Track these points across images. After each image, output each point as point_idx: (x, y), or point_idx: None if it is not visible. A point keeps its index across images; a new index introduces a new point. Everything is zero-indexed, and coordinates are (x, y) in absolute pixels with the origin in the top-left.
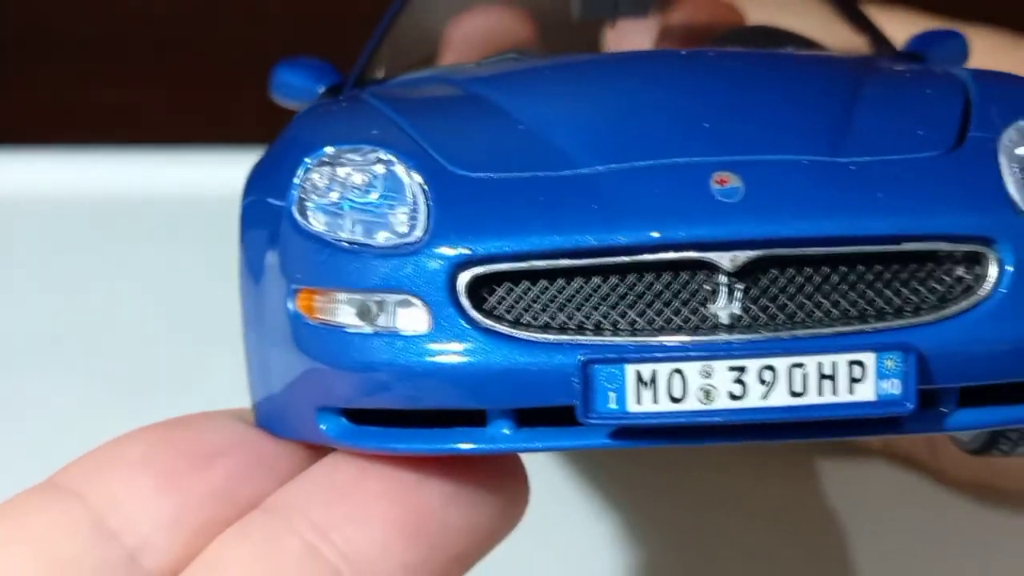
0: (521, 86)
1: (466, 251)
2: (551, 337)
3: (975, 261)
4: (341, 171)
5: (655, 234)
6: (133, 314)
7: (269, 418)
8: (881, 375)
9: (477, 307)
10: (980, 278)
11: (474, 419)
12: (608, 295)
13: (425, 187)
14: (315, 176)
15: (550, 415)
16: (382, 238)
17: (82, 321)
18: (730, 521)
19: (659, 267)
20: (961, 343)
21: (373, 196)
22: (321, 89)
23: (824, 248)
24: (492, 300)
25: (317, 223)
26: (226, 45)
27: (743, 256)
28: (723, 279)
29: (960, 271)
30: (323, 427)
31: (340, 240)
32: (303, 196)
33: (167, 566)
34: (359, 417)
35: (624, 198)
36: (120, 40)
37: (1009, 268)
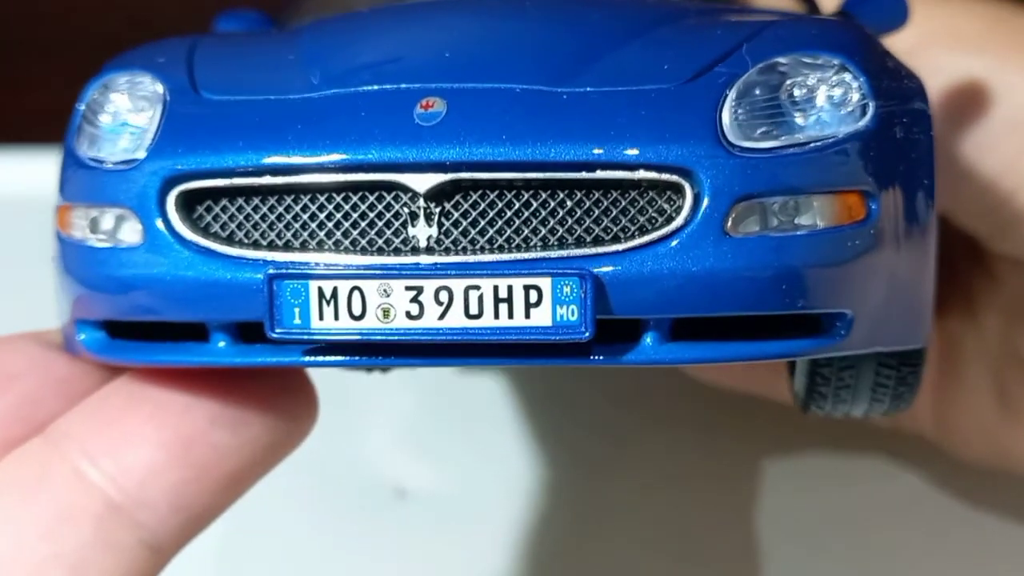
0: (343, 24)
1: (173, 167)
2: (245, 253)
3: (679, 190)
4: (113, 96)
5: (344, 155)
6: None
7: (65, 337)
8: (557, 300)
9: (191, 223)
10: (680, 208)
11: (201, 333)
12: (307, 215)
13: (166, 110)
14: (93, 100)
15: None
16: (115, 156)
17: None
18: (727, 515)
19: (357, 188)
20: (650, 273)
21: (130, 118)
22: None
23: (517, 173)
24: (209, 217)
25: (80, 145)
26: None
27: (434, 179)
28: (420, 203)
29: (662, 203)
30: (81, 338)
31: (86, 158)
32: (80, 121)
33: None
34: (117, 330)
35: (331, 120)
36: (121, 41)
37: (705, 200)
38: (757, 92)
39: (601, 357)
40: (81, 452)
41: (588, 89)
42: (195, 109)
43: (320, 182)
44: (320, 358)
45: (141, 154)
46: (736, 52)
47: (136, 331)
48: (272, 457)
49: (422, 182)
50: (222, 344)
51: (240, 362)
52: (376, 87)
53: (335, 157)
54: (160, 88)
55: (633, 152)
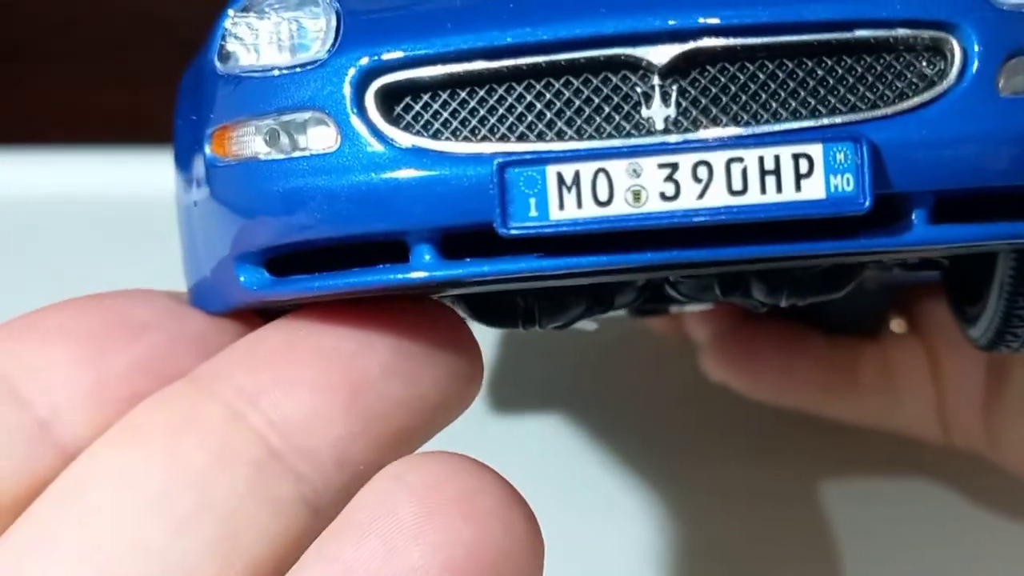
0: None
1: (372, 58)
2: (468, 148)
3: (940, 52)
4: (261, 14)
5: (576, 29)
6: None
7: (199, 293)
8: (831, 169)
9: (392, 121)
10: (945, 71)
11: (397, 255)
12: (531, 101)
13: (339, 7)
14: (235, 23)
15: (478, 245)
16: (288, 58)
17: None
18: (778, 534)
19: (586, 68)
20: (921, 140)
21: (288, 25)
22: None
23: (764, 38)
24: (410, 114)
25: (232, 63)
26: None
27: (672, 50)
28: (656, 80)
29: (923, 64)
30: (242, 278)
31: (250, 69)
32: (223, 43)
33: (81, 437)
34: (279, 270)
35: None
36: (122, 41)
37: (975, 57)
38: None
39: (875, 238)
40: (236, 391)
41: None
42: (379, 5)
43: (539, 63)
44: (558, 259)
45: (324, 54)
46: None
47: (298, 267)
48: (440, 418)
49: (658, 54)
50: (427, 257)
51: (448, 275)
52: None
53: (560, 32)
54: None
55: (893, 8)
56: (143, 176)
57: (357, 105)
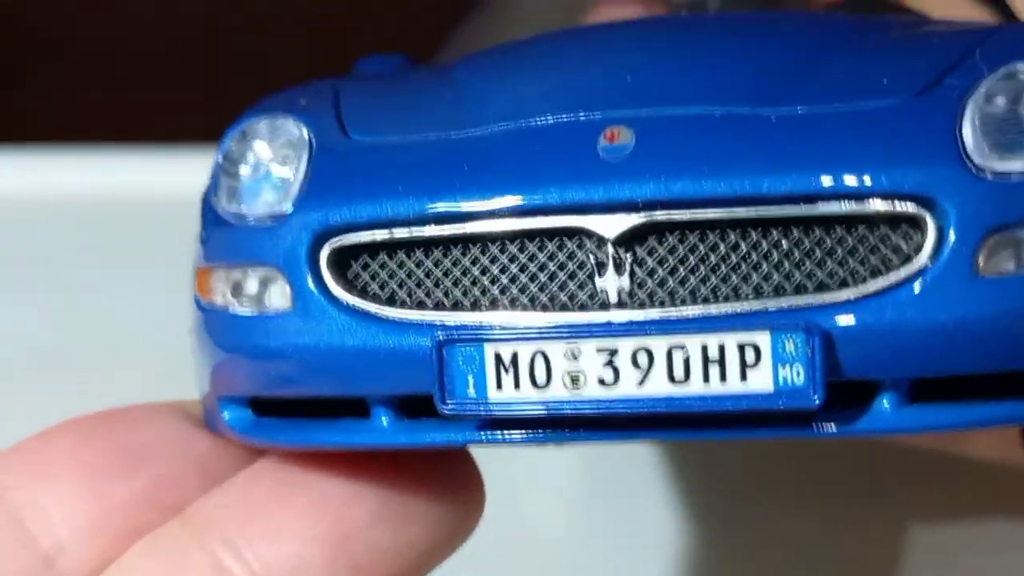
0: (502, 55)
1: (324, 219)
2: (410, 315)
3: (915, 223)
4: (254, 144)
5: (520, 198)
6: (133, 314)
7: (205, 410)
8: (779, 359)
9: (345, 282)
10: (921, 247)
11: (360, 410)
12: (482, 267)
13: (312, 157)
14: (231, 149)
15: (432, 404)
16: (258, 210)
17: (82, 322)
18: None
19: (535, 236)
20: (888, 326)
21: (273, 169)
22: None
23: (723, 211)
24: (366, 276)
25: (219, 199)
26: (227, 46)
27: (625, 222)
28: (609, 250)
29: (897, 239)
30: (225, 417)
31: (227, 213)
32: (218, 174)
33: (82, 572)
34: (264, 408)
35: (502, 159)
36: (121, 43)
37: (952, 235)
38: (1000, 103)
39: (831, 427)
40: (223, 543)
41: (800, 109)
42: (345, 154)
43: (492, 231)
44: (499, 434)
45: (287, 207)
46: (967, 59)
47: (286, 408)
48: (431, 561)
49: (611, 225)
50: (385, 421)
51: (407, 442)
52: (551, 119)
53: (509, 201)
54: (305, 132)
55: (862, 179)
56: (142, 176)
57: (311, 267)
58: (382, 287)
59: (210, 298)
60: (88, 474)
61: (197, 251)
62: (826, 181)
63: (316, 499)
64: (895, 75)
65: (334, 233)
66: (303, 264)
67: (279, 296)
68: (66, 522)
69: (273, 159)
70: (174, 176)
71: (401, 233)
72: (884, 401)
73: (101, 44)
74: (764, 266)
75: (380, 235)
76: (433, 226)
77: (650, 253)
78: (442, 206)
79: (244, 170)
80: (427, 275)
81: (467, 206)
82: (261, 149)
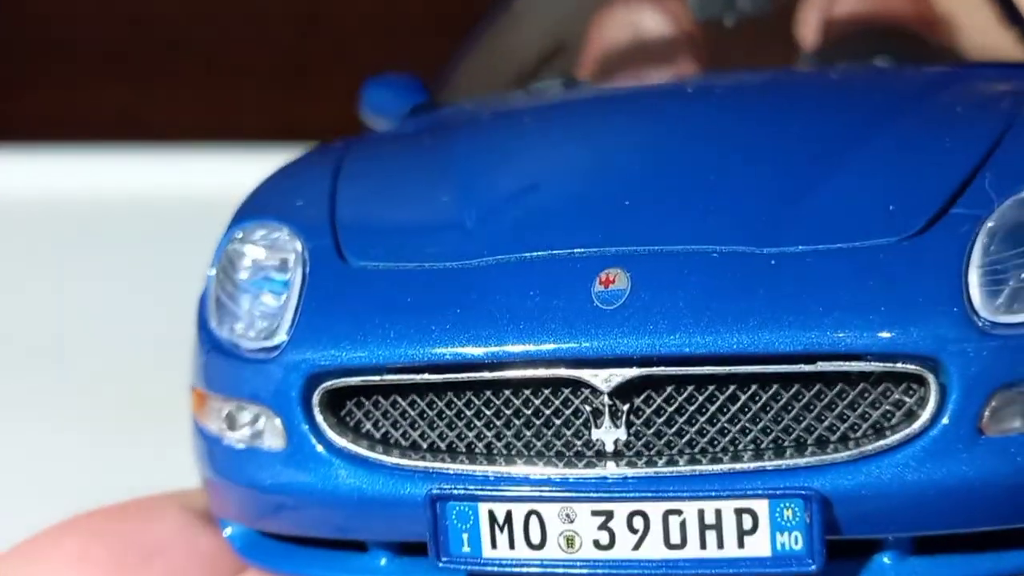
0: (500, 137)
1: (317, 362)
2: (404, 461)
3: (918, 382)
4: (247, 249)
5: (513, 348)
6: (132, 313)
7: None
8: (777, 527)
9: (339, 423)
10: (924, 401)
11: (359, 543)
12: (472, 412)
13: (307, 280)
14: (225, 256)
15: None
16: (251, 341)
17: (81, 320)
18: None
19: (530, 384)
20: (884, 487)
21: (272, 274)
22: (408, 108)
23: (719, 368)
24: (359, 413)
25: (213, 318)
26: (226, 46)
27: (619, 375)
28: (604, 399)
29: (899, 394)
30: (227, 532)
31: (222, 338)
32: (210, 287)
33: None
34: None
35: (496, 304)
36: (121, 41)
37: (955, 393)
38: (1010, 242)
39: None
40: None
41: (799, 248)
42: (340, 285)
43: (485, 378)
44: None
45: (281, 338)
46: (977, 180)
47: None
48: None
49: (605, 379)
50: (383, 562)
51: None
52: (546, 253)
53: (503, 349)
54: (299, 246)
55: (860, 339)
56: (142, 176)
57: (304, 409)
58: (376, 425)
59: (206, 422)
60: (99, 575)
61: (194, 367)
62: (825, 341)
63: None
64: (900, 199)
65: (326, 377)
66: (296, 406)
67: (272, 435)
68: None
69: (272, 266)
70: (173, 176)
71: (393, 378)
72: (885, 557)
73: (106, 41)
74: (762, 419)
75: (372, 379)
76: (427, 374)
77: (647, 402)
78: (435, 355)
79: (242, 275)
80: (421, 416)
81: (461, 356)
82: (256, 253)
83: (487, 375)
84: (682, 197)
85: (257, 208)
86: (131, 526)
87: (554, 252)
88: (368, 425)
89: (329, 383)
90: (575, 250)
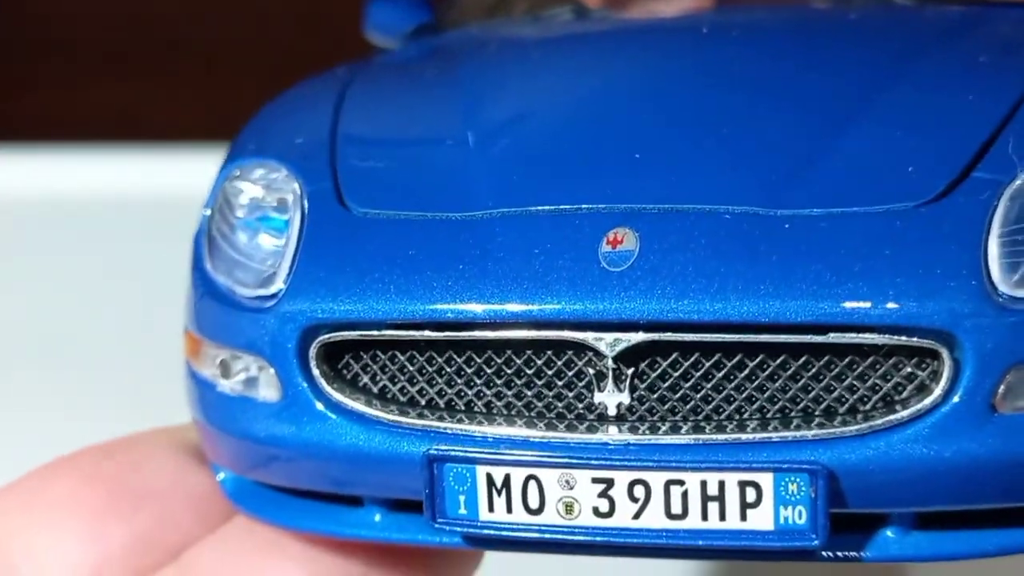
0: (508, 73)
1: (313, 314)
2: (402, 419)
3: (932, 355)
4: (244, 186)
5: (517, 307)
6: (132, 313)
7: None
8: (781, 500)
9: (336, 374)
10: (937, 375)
11: (355, 498)
12: (472, 369)
13: (305, 224)
14: (222, 193)
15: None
16: (247, 288)
17: (81, 320)
18: None
19: (532, 345)
20: (892, 462)
21: (270, 212)
22: (411, 27)
23: (728, 335)
24: (357, 366)
25: (209, 259)
26: (226, 46)
27: (624, 339)
28: (609, 363)
29: (910, 367)
30: (220, 477)
31: (218, 282)
32: (205, 227)
33: None
34: None
35: (500, 259)
36: (121, 41)
37: (968, 369)
38: None
39: (832, 553)
40: None
41: (813, 211)
42: (339, 231)
43: (488, 337)
44: (491, 544)
45: (278, 286)
46: (1000, 141)
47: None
48: None
49: (610, 343)
50: (377, 518)
51: (398, 539)
52: (552, 208)
53: (506, 309)
54: (298, 188)
55: (874, 311)
56: (142, 176)
57: (300, 360)
58: (374, 378)
59: (199, 367)
60: (89, 518)
61: (188, 309)
62: (837, 312)
63: (310, 549)
64: (920, 158)
65: (324, 330)
66: (292, 358)
67: (267, 386)
68: (65, 571)
69: (268, 205)
70: (173, 176)
71: (392, 333)
72: (889, 531)
73: (106, 41)
74: (769, 388)
75: (371, 334)
76: (427, 331)
77: (651, 366)
78: (437, 312)
79: (239, 213)
80: (420, 372)
81: (463, 314)
82: (255, 192)
83: (489, 334)
84: (694, 149)
85: (256, 145)
86: (122, 467)
87: (561, 207)
88: (366, 379)
89: (327, 336)
90: (582, 206)
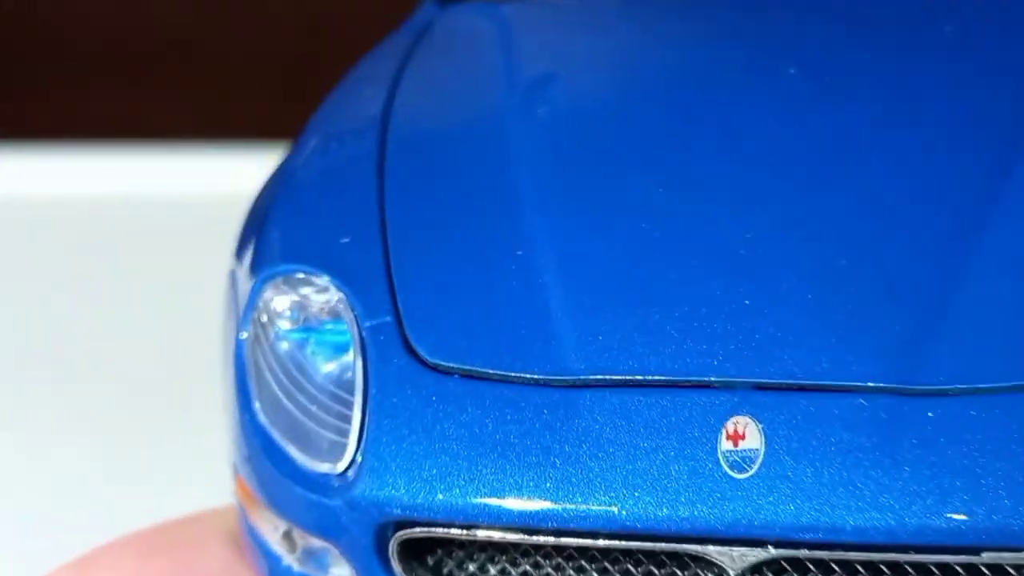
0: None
1: (395, 507)
2: None
3: None
4: (276, 304)
5: (620, 516)
6: (132, 314)
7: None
8: None
9: (420, 567)
10: None
11: None
12: None
13: (368, 373)
14: (265, 312)
15: None
16: (309, 455)
17: (81, 321)
18: None
19: (649, 556)
20: None
21: (321, 364)
22: None
23: (872, 555)
24: (451, 563)
25: (256, 399)
26: (226, 46)
27: (752, 555)
28: None
29: None
30: None
31: (272, 437)
32: (247, 351)
33: None
34: None
35: (598, 455)
36: (121, 42)
37: None
38: None
39: None
40: None
41: (959, 387)
42: (412, 390)
43: (595, 546)
44: None
45: (344, 463)
46: None
47: None
48: None
49: (736, 558)
50: None
51: None
52: (656, 380)
53: (607, 514)
54: (353, 319)
55: None
56: (142, 176)
57: (379, 554)
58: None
59: (259, 526)
60: None
61: (237, 453)
62: (995, 531)
63: None
64: None
65: (403, 525)
66: (370, 552)
67: (339, 566)
68: None
69: (318, 319)
70: (173, 176)
71: (483, 534)
72: None
73: (106, 42)
74: None
75: (462, 535)
76: (520, 535)
77: None
78: (524, 512)
79: (283, 346)
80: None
81: (553, 517)
82: (286, 304)
83: (587, 543)
84: (812, 292)
85: (283, 246)
86: (181, 553)
87: (666, 377)
88: (452, 566)
89: (407, 532)
90: (691, 378)
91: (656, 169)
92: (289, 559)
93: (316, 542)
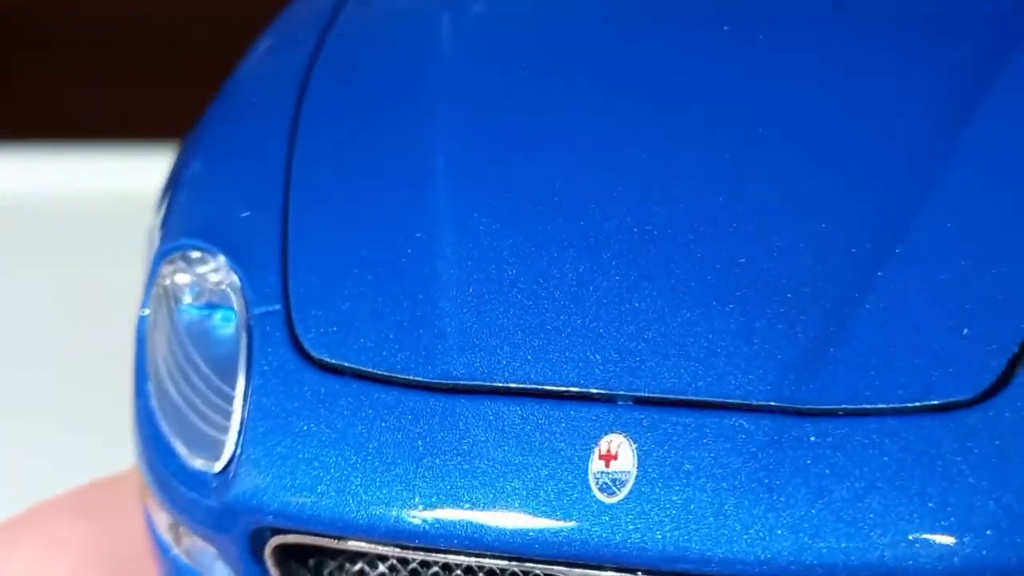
0: (494, 159)
1: (262, 518)
2: None
3: None
4: (178, 278)
5: (489, 534)
6: (132, 314)
7: None
8: None
9: (301, 568)
10: None
11: None
12: None
13: (251, 364)
14: (163, 288)
15: None
16: (191, 449)
17: (80, 321)
18: None
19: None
20: None
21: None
22: None
23: None
24: (332, 565)
25: (152, 379)
26: (226, 46)
27: None
28: None
29: None
30: None
31: (161, 426)
32: (151, 312)
33: None
34: None
35: (470, 468)
36: (120, 41)
37: None
38: None
39: None
40: None
41: (844, 407)
42: (295, 388)
43: (459, 563)
44: None
45: (222, 462)
46: None
47: None
48: None
49: None
50: None
51: None
52: (534, 388)
53: (473, 534)
54: (243, 306)
55: (927, 561)
56: (142, 176)
57: (255, 557)
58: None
59: (153, 512)
60: None
61: (136, 434)
62: (869, 568)
63: None
64: (978, 320)
65: (276, 531)
66: (247, 555)
67: (221, 571)
68: None
69: (208, 288)
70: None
71: (354, 545)
72: None
73: (94, 37)
74: None
75: (327, 543)
76: (393, 548)
77: None
78: (397, 523)
79: (182, 319)
80: None
81: (426, 534)
82: (184, 280)
83: (458, 559)
84: (708, 301)
85: (184, 222)
86: (94, 531)
87: (543, 386)
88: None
89: (280, 539)
90: (571, 388)
91: (570, 156)
92: (177, 551)
93: (198, 540)
